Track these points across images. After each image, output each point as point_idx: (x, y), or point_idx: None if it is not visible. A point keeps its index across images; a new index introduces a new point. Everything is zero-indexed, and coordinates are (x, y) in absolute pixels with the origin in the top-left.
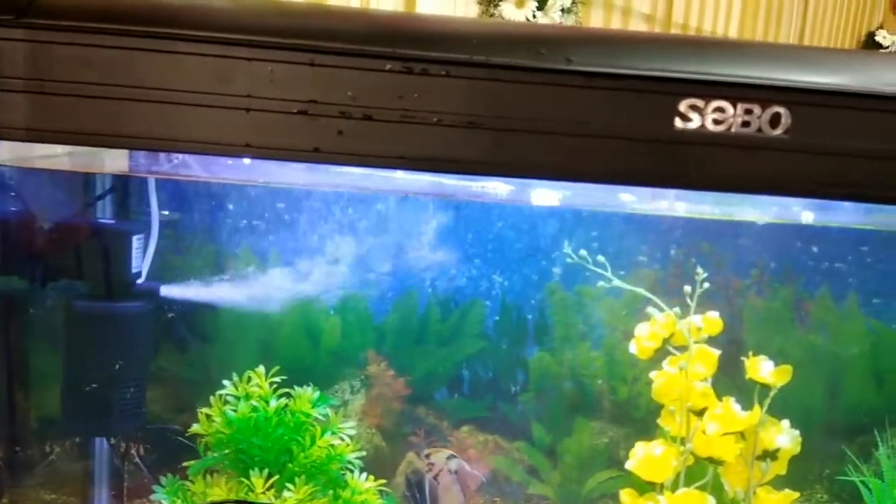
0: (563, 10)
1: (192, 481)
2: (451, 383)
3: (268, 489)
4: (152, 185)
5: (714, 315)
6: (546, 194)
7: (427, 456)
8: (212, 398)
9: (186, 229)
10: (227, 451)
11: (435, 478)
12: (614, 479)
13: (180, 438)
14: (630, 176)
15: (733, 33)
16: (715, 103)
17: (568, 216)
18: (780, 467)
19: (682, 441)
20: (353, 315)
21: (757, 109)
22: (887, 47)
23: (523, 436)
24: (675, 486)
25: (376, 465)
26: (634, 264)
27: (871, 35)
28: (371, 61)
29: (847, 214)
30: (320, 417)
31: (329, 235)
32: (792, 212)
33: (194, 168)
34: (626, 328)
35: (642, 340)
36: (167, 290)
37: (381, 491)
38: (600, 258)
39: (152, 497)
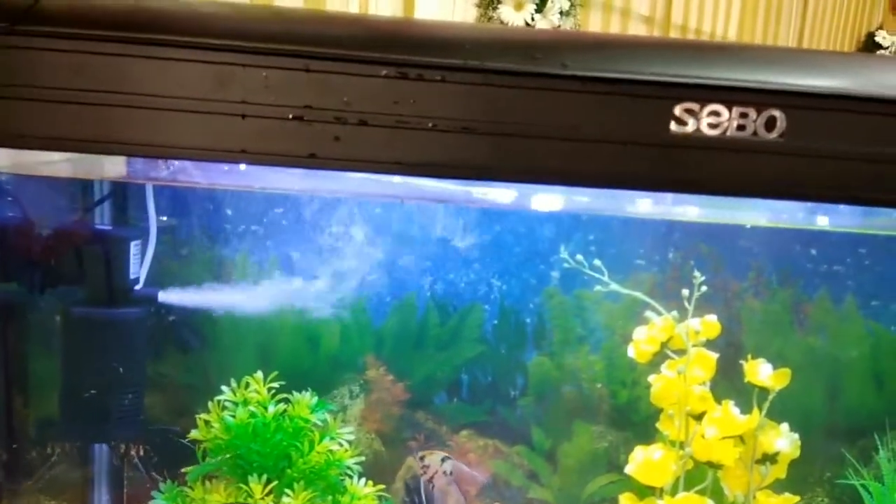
0: (561, 13)
1: (190, 487)
2: (450, 388)
3: (266, 495)
4: (150, 190)
5: (712, 318)
6: (543, 199)
7: (421, 458)
8: (210, 404)
9: (184, 235)
10: (225, 457)
11: (430, 480)
12: (614, 483)
13: (181, 440)
14: (626, 180)
15: (732, 34)
16: (710, 107)
17: (565, 220)
18: (779, 471)
19: (681, 445)
20: (351, 320)
21: (752, 113)
22: (887, 48)
23: (523, 440)
24: (674, 491)
25: (376, 470)
26: (633, 268)
27: (870, 35)
28: (366, 67)
29: (845, 217)
30: (319, 423)
31: (327, 240)
32: (790, 215)
33: (192, 174)
34: (626, 332)
35: (640, 344)
36: (165, 296)
37: (380, 496)
38: (597, 262)
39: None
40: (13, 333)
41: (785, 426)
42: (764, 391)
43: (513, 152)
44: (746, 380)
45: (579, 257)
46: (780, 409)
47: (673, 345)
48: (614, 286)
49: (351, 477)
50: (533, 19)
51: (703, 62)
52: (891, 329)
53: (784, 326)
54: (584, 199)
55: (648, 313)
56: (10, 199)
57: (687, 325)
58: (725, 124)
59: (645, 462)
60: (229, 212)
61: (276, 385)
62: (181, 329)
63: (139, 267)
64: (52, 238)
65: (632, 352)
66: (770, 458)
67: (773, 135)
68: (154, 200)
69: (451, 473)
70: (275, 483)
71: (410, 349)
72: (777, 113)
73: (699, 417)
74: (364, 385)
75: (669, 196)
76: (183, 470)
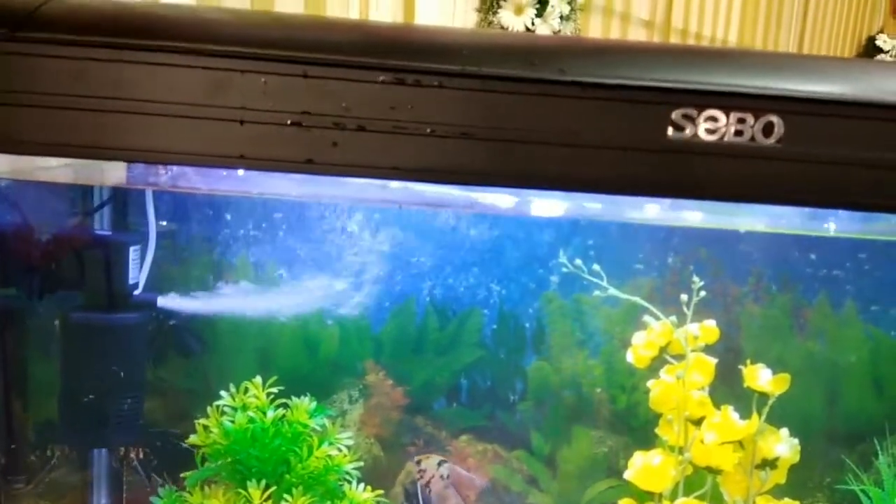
0: (561, 17)
1: (189, 492)
2: (449, 392)
3: (265, 500)
4: (149, 196)
5: (711, 323)
6: (542, 203)
7: (418, 463)
8: (209, 409)
9: (182, 240)
10: (224, 462)
11: (427, 485)
12: (613, 488)
13: (180, 445)
14: (623, 185)
15: (733, 38)
16: (707, 112)
17: (564, 225)
18: (779, 476)
19: (681, 450)
20: (350, 324)
21: (750, 118)
22: (888, 51)
23: (522, 445)
24: (673, 496)
25: (376, 475)
26: (632, 273)
27: (871, 39)
28: (364, 73)
29: (844, 222)
30: (318, 428)
31: (326, 246)
32: (789, 220)
33: (190, 179)
34: (625, 336)
35: (639, 349)
36: (164, 301)
37: (378, 502)
38: (595, 267)
39: None
40: (12, 338)
41: (784, 431)
42: (763, 396)
43: (510, 158)
44: (746, 385)
45: (578, 262)
46: (780, 413)
47: (672, 350)
48: (612, 291)
49: (350, 482)
50: (533, 24)
51: (701, 68)
52: (890, 334)
53: (783, 331)
54: (582, 204)
55: (647, 318)
56: (9, 204)
57: (685, 330)
58: (723, 130)
59: (644, 467)
60: (228, 217)
61: (275, 390)
62: (180, 334)
63: (138, 272)
64: (51, 243)
65: (630, 357)
66: (770, 464)
67: (771, 140)
68: (153, 205)
69: (447, 477)
70: (273, 488)
71: (410, 354)
72: (774, 118)
73: (698, 422)
74: (363, 390)
75: (668, 201)
76: (182, 475)
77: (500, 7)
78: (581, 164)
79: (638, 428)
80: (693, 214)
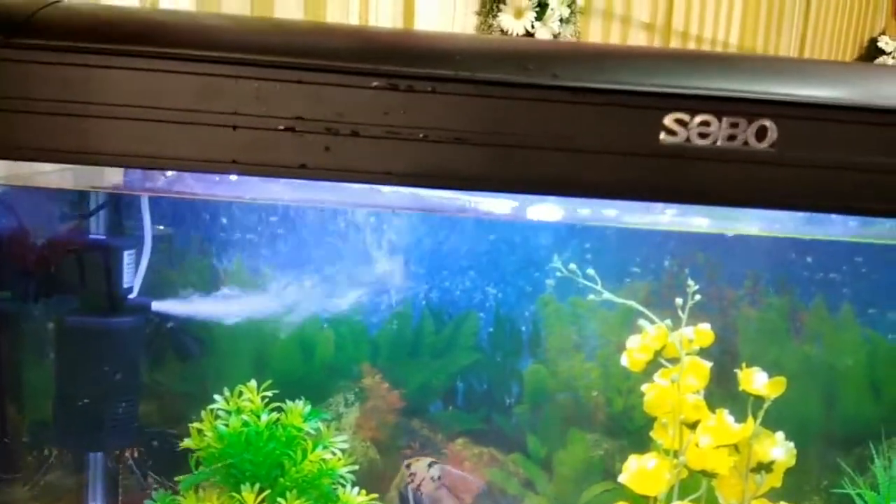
0: (561, 20)
1: (183, 496)
2: (445, 396)
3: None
4: (144, 200)
5: (705, 327)
6: (537, 208)
7: (408, 467)
8: (203, 412)
9: (177, 244)
10: (218, 466)
11: (418, 488)
12: (610, 491)
13: (175, 449)
14: (616, 190)
15: (734, 40)
16: (700, 117)
17: (560, 229)
18: (775, 480)
19: (676, 454)
20: (347, 328)
21: (743, 123)
22: (890, 53)
23: (518, 448)
24: (668, 500)
25: (371, 479)
26: (628, 276)
27: (873, 41)
28: (357, 78)
29: (840, 226)
30: (312, 432)
31: (322, 249)
32: (784, 224)
33: (185, 184)
34: (621, 340)
35: (634, 353)
36: (159, 305)
37: None
38: (590, 271)
39: None
40: (6, 341)
41: (780, 435)
42: (759, 400)
43: (503, 163)
44: (741, 388)
45: (573, 266)
46: (776, 417)
47: (666, 353)
48: (607, 295)
49: (344, 486)
50: (533, 27)
51: (693, 72)
52: (887, 337)
53: (780, 334)
54: (578, 209)
55: (641, 322)
56: (4, 208)
57: (680, 334)
58: (716, 134)
59: (639, 471)
60: (224, 221)
61: (270, 394)
62: (175, 338)
63: (133, 276)
64: (46, 247)
65: (625, 360)
66: (765, 467)
67: (764, 144)
68: (148, 210)
69: (439, 478)
70: (267, 492)
71: (406, 357)
72: (768, 123)
73: (693, 426)
74: (359, 393)
75: (663, 205)
76: (176, 479)
77: (499, 10)
78: (574, 169)
79: (634, 431)
80: (688, 219)
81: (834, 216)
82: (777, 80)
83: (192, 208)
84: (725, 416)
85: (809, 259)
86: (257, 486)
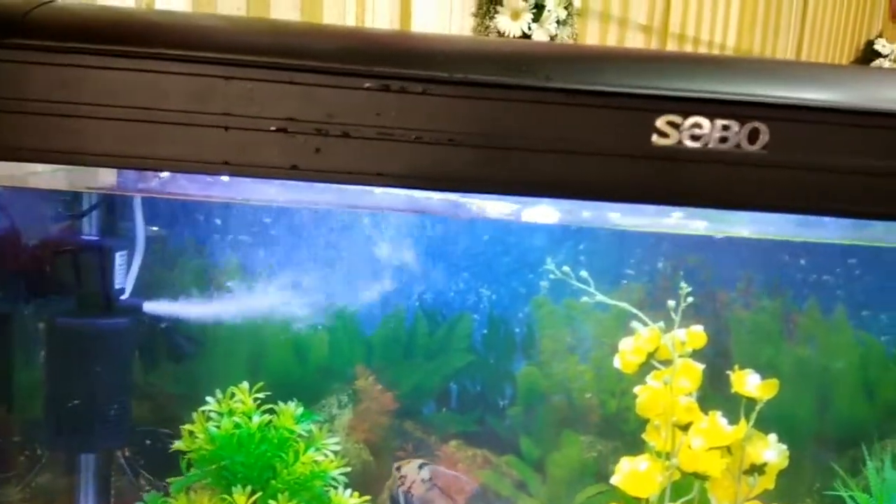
0: (558, 22)
1: (174, 498)
2: (439, 397)
3: None
4: (137, 201)
5: (698, 329)
6: (532, 210)
7: (398, 469)
8: (195, 414)
9: (170, 245)
10: (209, 468)
11: (408, 490)
12: (603, 493)
13: (166, 450)
14: (609, 192)
15: (731, 42)
16: (692, 119)
17: (555, 230)
18: (767, 482)
19: (668, 456)
20: (340, 329)
21: (735, 125)
22: (887, 55)
23: (512, 450)
24: (661, 501)
25: (365, 480)
26: (621, 278)
27: (870, 43)
28: (349, 79)
29: (833, 229)
30: (304, 433)
31: (316, 251)
32: (778, 226)
33: (178, 185)
34: (615, 342)
35: (626, 355)
36: (150, 306)
37: None
38: (583, 273)
39: None
40: None
41: (773, 437)
42: (751, 401)
43: (495, 164)
44: (734, 390)
45: (566, 268)
46: (769, 418)
47: (659, 355)
48: (600, 297)
49: (336, 488)
50: (530, 28)
51: (685, 75)
52: (880, 339)
53: (773, 336)
54: (570, 210)
55: (634, 324)
56: None
57: (673, 336)
58: (708, 136)
59: (631, 473)
60: (218, 222)
61: (263, 395)
62: (167, 339)
63: (125, 277)
64: (37, 248)
65: (618, 362)
66: (758, 469)
67: (756, 147)
68: (140, 211)
69: (429, 479)
70: (259, 494)
71: (399, 359)
72: (760, 125)
73: (685, 428)
74: (353, 395)
75: (656, 207)
76: (167, 480)
77: (496, 12)
78: (566, 171)
79: (628, 433)
80: (683, 221)
81: (826, 218)
82: (769, 82)
83: (185, 209)
84: (718, 418)
85: (802, 261)
86: (249, 488)
